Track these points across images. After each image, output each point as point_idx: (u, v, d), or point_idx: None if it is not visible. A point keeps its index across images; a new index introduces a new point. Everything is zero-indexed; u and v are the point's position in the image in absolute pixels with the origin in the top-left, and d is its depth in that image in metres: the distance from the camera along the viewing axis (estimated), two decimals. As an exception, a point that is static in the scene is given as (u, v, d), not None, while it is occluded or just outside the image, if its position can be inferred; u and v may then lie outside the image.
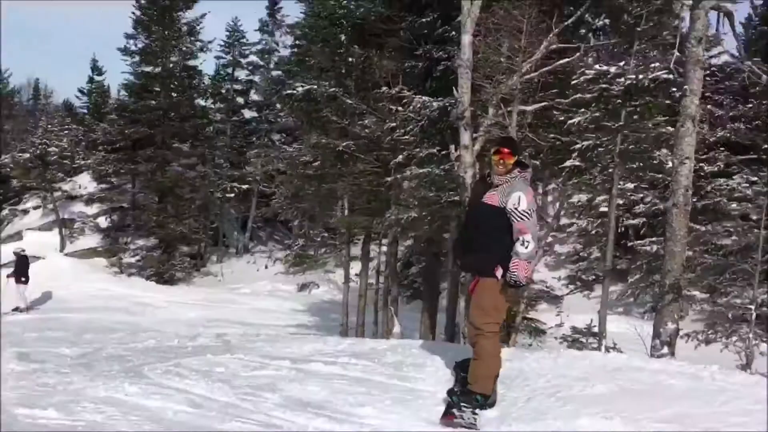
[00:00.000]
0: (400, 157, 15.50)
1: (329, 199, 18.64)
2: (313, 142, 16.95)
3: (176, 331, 18.35)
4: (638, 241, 26.56)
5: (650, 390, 5.76)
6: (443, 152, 14.47)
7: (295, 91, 16.41)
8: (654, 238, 25.46)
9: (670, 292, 11.88)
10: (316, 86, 16.49)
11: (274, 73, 42.42)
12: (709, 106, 22.69)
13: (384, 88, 15.95)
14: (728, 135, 26.22)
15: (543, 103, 13.90)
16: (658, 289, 11.69)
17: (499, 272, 5.43)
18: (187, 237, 36.19)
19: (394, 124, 15.31)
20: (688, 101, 11.48)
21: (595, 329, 13.67)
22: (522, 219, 5.35)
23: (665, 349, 11.85)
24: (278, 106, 41.13)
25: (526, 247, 5.33)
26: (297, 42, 34.02)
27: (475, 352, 5.57)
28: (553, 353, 7.52)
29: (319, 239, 35.74)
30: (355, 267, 21.54)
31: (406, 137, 14.97)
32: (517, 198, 5.37)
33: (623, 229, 34.69)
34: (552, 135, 13.77)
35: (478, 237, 5.61)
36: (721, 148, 26.35)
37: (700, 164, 22.08)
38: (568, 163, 14.18)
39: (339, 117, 16.87)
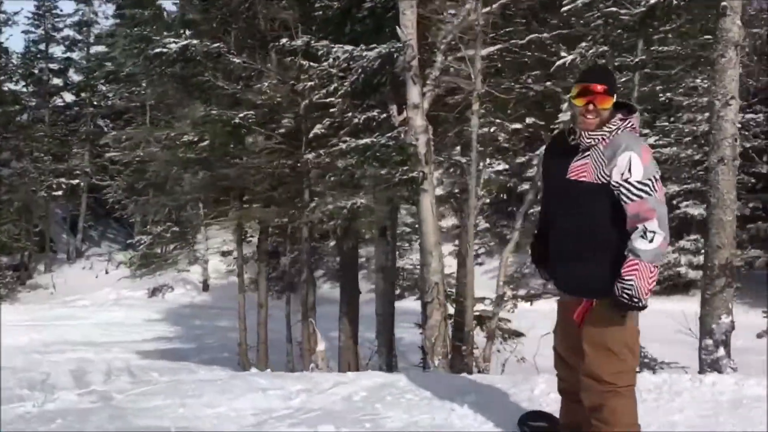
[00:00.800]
0: (319, 126, 12.02)
1: (216, 187, 14.88)
2: (200, 114, 13.10)
3: (11, 365, 14.56)
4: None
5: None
6: (383, 115, 11.18)
7: (166, 50, 12.46)
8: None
9: (721, 275, 9.35)
10: (194, 42, 12.61)
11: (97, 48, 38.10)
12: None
13: (284, 40, 12.36)
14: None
15: (505, 44, 10.88)
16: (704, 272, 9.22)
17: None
18: (6, 246, 33.38)
19: (311, 83, 11.77)
20: (728, 22, 8.94)
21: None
22: (639, 195, 3.42)
23: (721, 351, 9.42)
24: (102, 87, 36.85)
25: (651, 240, 3.40)
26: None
27: (603, 419, 3.65)
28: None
29: (168, 234, 31.79)
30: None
31: (331, 100, 11.50)
32: (626, 162, 3.43)
33: (505, 196, 33.31)
34: (519, 85, 10.77)
35: (570, 235, 3.65)
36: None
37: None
38: (562, 117, 11.17)
39: (226, 81, 13.13)
